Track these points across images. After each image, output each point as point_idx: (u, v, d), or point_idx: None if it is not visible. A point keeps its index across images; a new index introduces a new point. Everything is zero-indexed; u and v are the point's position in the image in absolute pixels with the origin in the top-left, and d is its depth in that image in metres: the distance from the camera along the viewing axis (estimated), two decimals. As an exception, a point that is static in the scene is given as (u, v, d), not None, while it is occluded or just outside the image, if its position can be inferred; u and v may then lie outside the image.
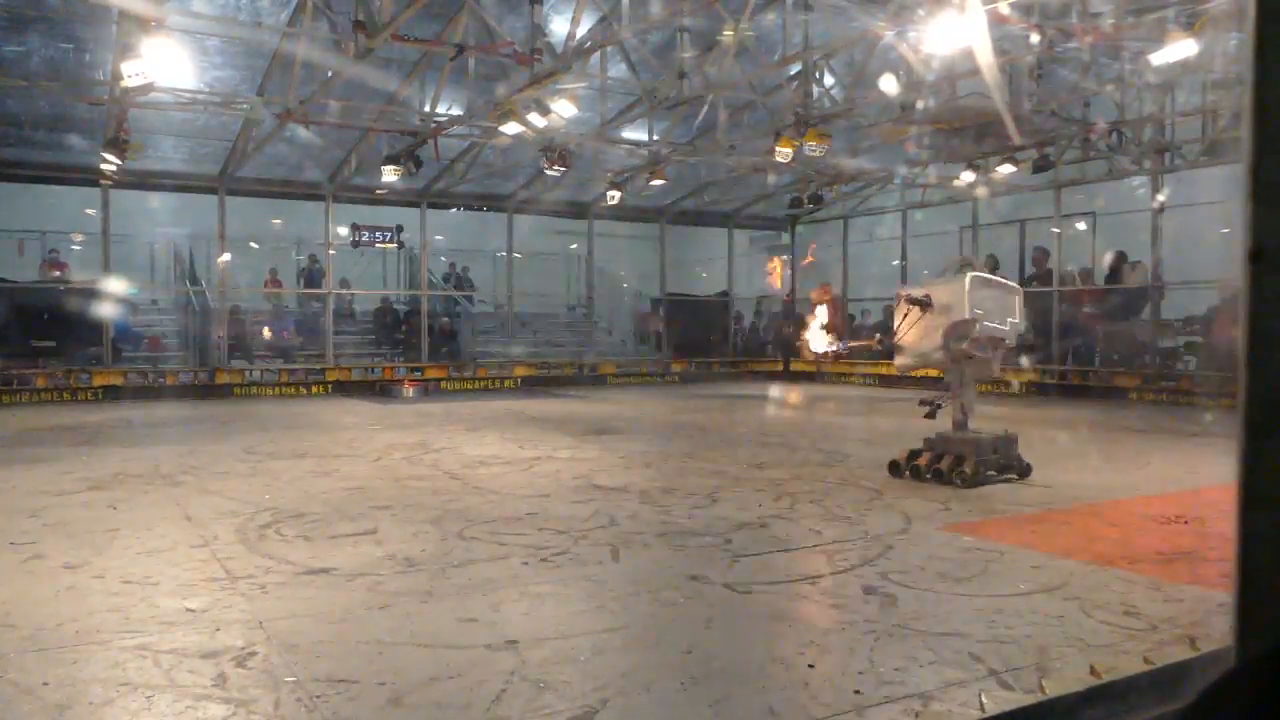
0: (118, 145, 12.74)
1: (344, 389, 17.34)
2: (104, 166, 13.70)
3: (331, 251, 18.00)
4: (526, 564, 4.82)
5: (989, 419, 11.28)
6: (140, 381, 16.27)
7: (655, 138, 15.43)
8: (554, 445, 9.51)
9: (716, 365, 21.37)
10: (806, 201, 19.26)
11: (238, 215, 17.28)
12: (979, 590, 4.36)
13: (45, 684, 3.22)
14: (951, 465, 7.07)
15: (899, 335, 7.20)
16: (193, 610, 4.07)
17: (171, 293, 19.00)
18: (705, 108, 14.58)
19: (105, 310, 16.08)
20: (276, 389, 17.16)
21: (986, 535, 5.54)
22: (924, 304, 7.06)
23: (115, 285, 16.38)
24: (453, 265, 21.00)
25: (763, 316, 23.17)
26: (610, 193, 17.36)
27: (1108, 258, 16.57)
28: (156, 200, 17.79)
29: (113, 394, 15.89)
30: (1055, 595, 4.28)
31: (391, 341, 19.22)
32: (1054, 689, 2.64)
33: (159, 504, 6.48)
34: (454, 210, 19.61)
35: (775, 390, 17.50)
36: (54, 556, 5.00)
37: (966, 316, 6.86)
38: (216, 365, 17.02)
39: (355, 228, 18.08)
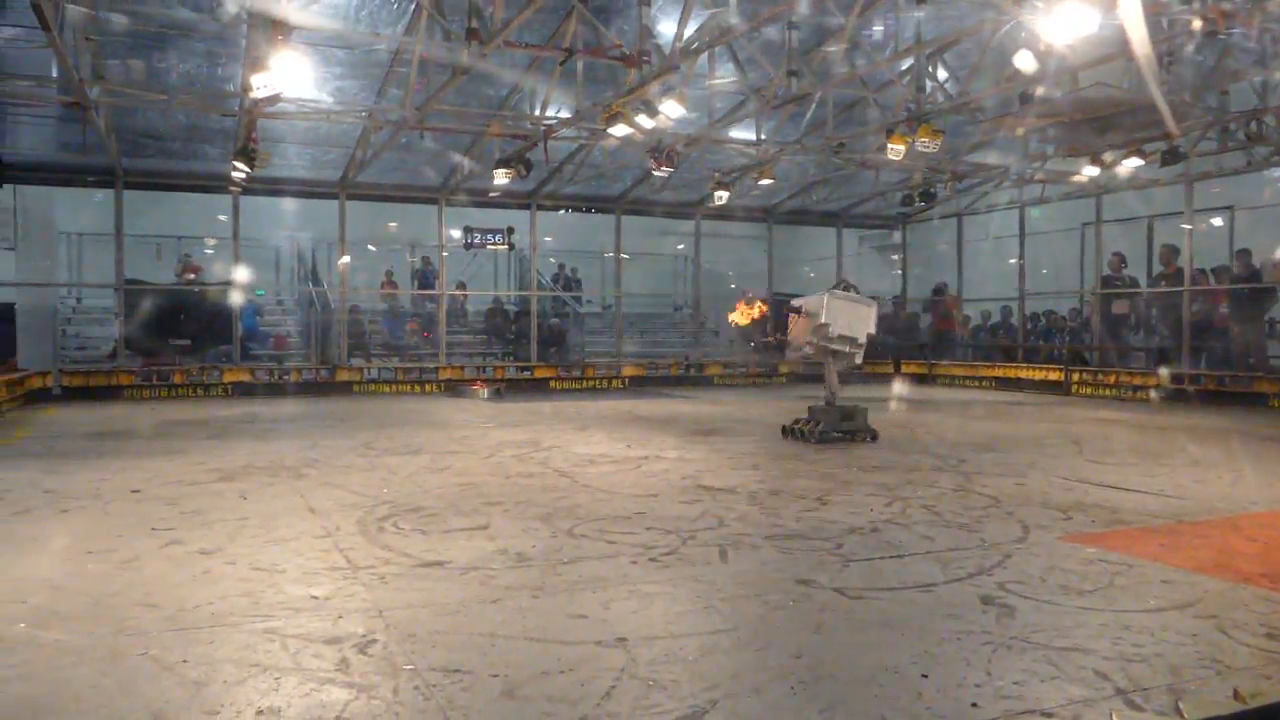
0: (247, 154, 13.26)
1: (456, 388, 17.65)
2: (234, 174, 14.21)
3: (444, 253, 18.33)
4: (635, 563, 4.82)
5: (1126, 425, 11.28)
6: (266, 378, 16.83)
7: (763, 137, 15.18)
8: (661, 445, 9.45)
9: (825, 366, 21.03)
10: (918, 199, 18.73)
11: (356, 219, 17.76)
12: (1104, 604, 4.18)
13: (184, 661, 3.39)
14: (812, 427, 9.46)
15: (790, 334, 9.56)
16: (317, 597, 4.20)
17: (295, 294, 19.79)
18: (814, 105, 14.37)
19: (235, 310, 16.95)
20: (392, 386, 17.54)
21: (1112, 546, 5.30)
22: (798, 312, 9.53)
23: (244, 287, 17.21)
24: (561, 266, 21.13)
25: (873, 317, 22.69)
26: (717, 193, 17.20)
27: (1252, 256, 15.49)
28: (282, 205, 18.44)
29: (241, 390, 16.49)
30: (1188, 613, 4.06)
31: (502, 341, 19.50)
32: (1194, 713, 2.49)
33: (284, 495, 6.62)
34: (562, 212, 19.74)
35: (885, 392, 17.00)
36: (190, 542, 5.19)
37: (823, 322, 9.11)
38: (337, 363, 17.53)
39: (467, 230, 18.41)
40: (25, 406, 14.33)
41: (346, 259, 17.63)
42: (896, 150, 13.03)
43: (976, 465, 8.29)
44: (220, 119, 13.75)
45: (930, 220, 21.33)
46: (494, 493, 6.67)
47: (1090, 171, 15.69)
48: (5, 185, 15.62)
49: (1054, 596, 4.28)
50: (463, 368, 18.31)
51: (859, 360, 9.47)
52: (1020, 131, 13.94)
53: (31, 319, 16.73)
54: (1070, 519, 6.04)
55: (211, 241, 18.63)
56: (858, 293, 9.71)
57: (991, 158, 16.96)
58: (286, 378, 16.91)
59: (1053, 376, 17.62)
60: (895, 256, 22.21)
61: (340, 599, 4.17)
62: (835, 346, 9.30)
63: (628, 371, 19.26)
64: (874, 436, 9.57)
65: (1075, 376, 17.31)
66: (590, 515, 5.89)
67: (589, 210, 19.86)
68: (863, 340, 9.30)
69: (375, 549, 5.03)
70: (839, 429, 9.54)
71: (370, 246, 19.91)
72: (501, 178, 14.69)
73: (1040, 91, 12.12)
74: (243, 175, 14.06)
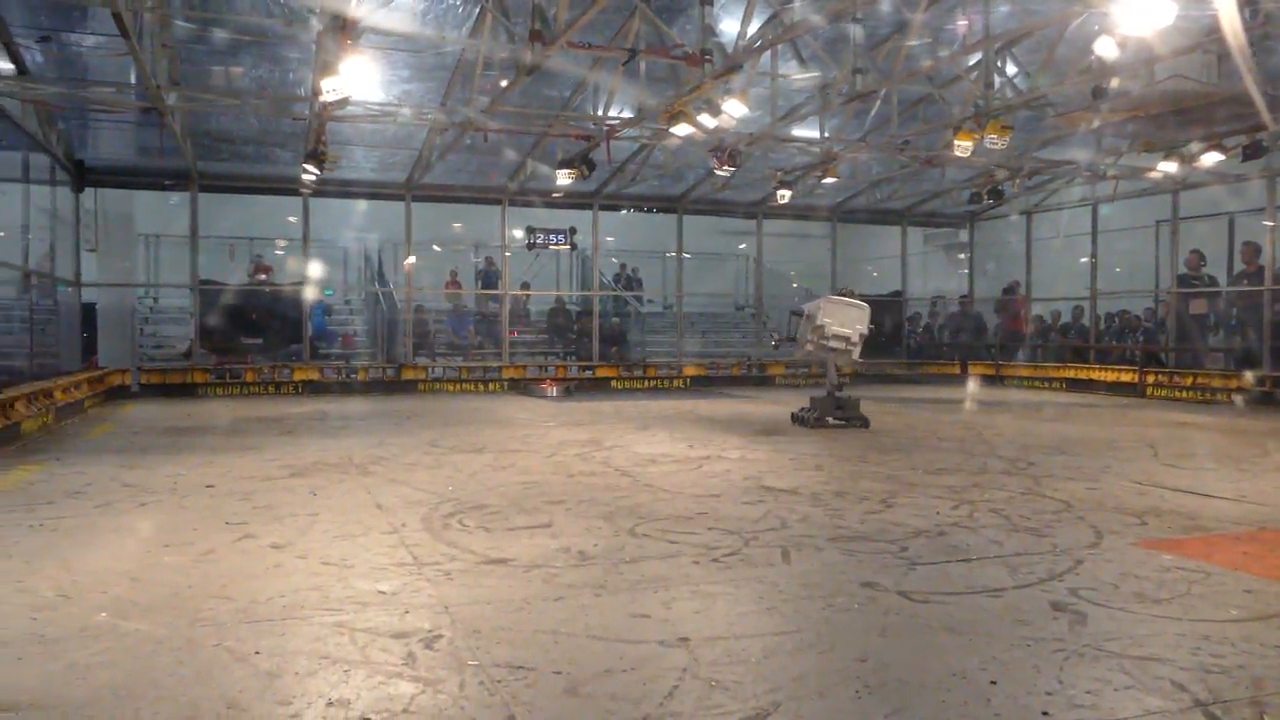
0: (317, 157, 13.46)
1: (524, 386, 17.70)
2: (304, 177, 14.45)
3: (507, 253, 18.51)
4: (697, 563, 4.79)
5: (1205, 429, 11.14)
6: (335, 377, 17.04)
7: (827, 135, 14.97)
8: (723, 445, 9.40)
9: (890, 367, 20.62)
10: (986, 196, 18.33)
11: (422, 220, 17.88)
12: (1181, 613, 4.04)
13: (257, 653, 3.46)
14: (810, 414, 10.86)
15: (794, 335, 11.15)
16: (384, 593, 4.24)
17: (362, 294, 19.98)
18: (879, 101, 14.14)
19: (305, 310, 17.20)
20: (455, 385, 17.67)
21: (1189, 554, 5.12)
22: (800, 314, 11.04)
23: (314, 287, 17.51)
24: (623, 266, 21.08)
25: (939, 317, 22.27)
26: (780, 191, 17.06)
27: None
28: (350, 207, 18.71)
29: (311, 388, 16.74)
30: (1272, 624, 3.91)
31: (564, 340, 19.53)
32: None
33: (353, 492, 6.67)
34: (624, 211, 19.74)
35: (952, 393, 16.88)
36: (263, 536, 5.26)
37: (820, 323, 10.48)
38: (402, 362, 17.69)
39: (530, 230, 18.44)
40: (106, 403, 14.54)
41: (412, 259, 17.79)
42: (964, 147, 12.76)
43: (1047, 468, 8.09)
44: (291, 122, 13.97)
45: (999, 218, 20.90)
46: (556, 491, 6.67)
47: (1167, 167, 15.18)
48: (87, 189, 15.95)
49: (1128, 604, 4.15)
50: (525, 367, 18.38)
51: (855, 356, 10.76)
52: (1095, 126, 13.52)
53: (111, 318, 17.12)
54: (1145, 525, 5.86)
55: (282, 243, 18.96)
56: (855, 298, 11.34)
57: (1063, 154, 16.50)
58: (354, 376, 17.08)
59: (1126, 378, 17.20)
60: (962, 255, 21.85)
61: (407, 594, 4.21)
62: (832, 345, 10.56)
63: (689, 371, 19.13)
64: (865, 423, 10.80)
65: (1150, 378, 16.85)
66: (652, 515, 5.86)
67: (651, 210, 19.78)
68: (856, 339, 10.59)
69: (440, 545, 5.07)
70: (834, 416, 10.88)
71: (435, 247, 20.08)
72: (564, 178, 14.68)
73: (1115, 84, 11.76)
74: (312, 177, 14.27)
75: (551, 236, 18.44)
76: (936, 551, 5.10)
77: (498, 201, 18.37)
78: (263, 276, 18.21)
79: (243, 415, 12.73)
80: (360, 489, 6.79)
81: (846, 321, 10.56)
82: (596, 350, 18.99)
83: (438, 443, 9.51)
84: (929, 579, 4.55)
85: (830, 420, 10.81)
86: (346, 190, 17.57)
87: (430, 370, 17.61)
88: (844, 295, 11.59)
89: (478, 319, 19.16)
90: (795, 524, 5.63)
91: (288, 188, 16.41)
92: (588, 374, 18.41)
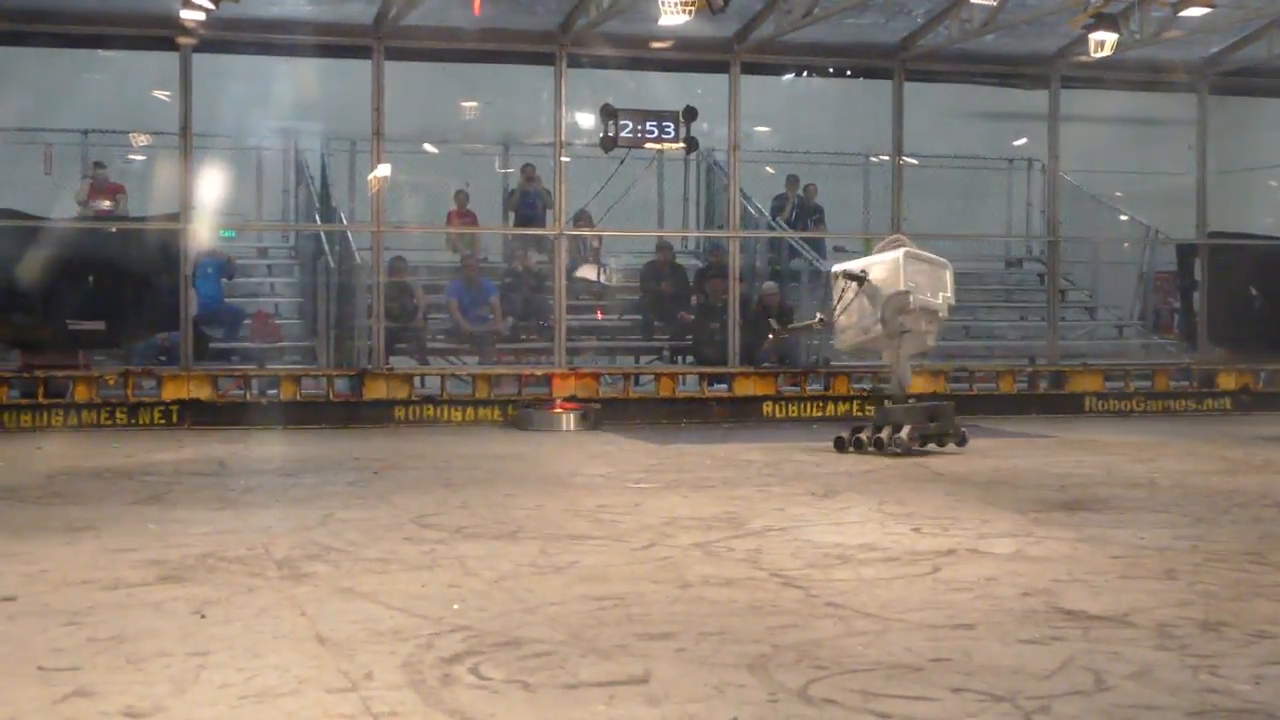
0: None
1: (525, 416, 13.10)
2: (184, 13, 11.10)
3: (565, 159, 12.81)
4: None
5: None
6: (240, 394, 12.37)
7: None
8: (981, 528, 7.29)
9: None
10: None
11: (404, 94, 12.81)
12: None
13: None
14: (877, 435, 9.57)
15: (839, 313, 9.48)
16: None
17: (290, 237, 14.97)
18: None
19: (184, 267, 12.10)
20: (465, 411, 12.44)
21: None
22: (861, 280, 9.24)
23: (201, 224, 12.48)
24: (791, 183, 15.16)
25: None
26: (1095, 35, 12.11)
27: None
28: (270, 73, 13.81)
29: (195, 413, 12.05)
30: None
31: (672, 323, 14.06)
32: None
33: (273, 611, 5.22)
34: (789, 77, 14.64)
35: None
36: (107, 694, 4.08)
37: (901, 289, 9.00)
38: (366, 366, 12.29)
39: (609, 113, 12.61)
40: None
41: (385, 170, 12.46)
42: None
43: None
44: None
45: None
46: (658, 615, 5.15)
47: None
48: None
49: None
50: (597, 374, 12.68)
51: (932, 342, 9.77)
52: None
53: None
54: None
55: (142, 139, 14.28)
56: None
57: None
58: (275, 393, 12.38)
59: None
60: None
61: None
62: (911, 324, 9.29)
63: (916, 386, 12.81)
64: (962, 440, 9.59)
65: None
66: (842, 662, 4.45)
67: (842, 74, 14.44)
68: (944, 312, 9.55)
69: (439, 717, 3.88)
70: (925, 433, 9.52)
71: (429, 147, 15.07)
72: (675, 13, 10.93)
73: None
74: (200, 15, 11.01)
75: (650, 126, 12.83)
76: None
77: (547, 58, 12.90)
78: (106, 204, 13.36)
79: (70, 464, 10.38)
80: (287, 607, 5.28)
81: (931, 286, 9.20)
82: (735, 343, 12.99)
83: (431, 518, 7.54)
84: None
85: (923, 441, 9.58)
86: (265, 39, 12.51)
87: (418, 383, 12.62)
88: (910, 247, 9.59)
89: (509, 283, 13.78)
90: (1123, 684, 4.11)
91: (154, 35, 12.17)
92: (718, 388, 13.07)
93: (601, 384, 12.54)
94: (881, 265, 9.29)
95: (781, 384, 12.97)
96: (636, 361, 13.61)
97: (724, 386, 12.89)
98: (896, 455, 9.16)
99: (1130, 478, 9.53)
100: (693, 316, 13.69)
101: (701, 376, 13.01)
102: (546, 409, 12.20)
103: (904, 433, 9.15)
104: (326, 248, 13.13)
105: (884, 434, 9.29)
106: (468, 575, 5.86)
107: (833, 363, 13.12)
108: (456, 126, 15.64)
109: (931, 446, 9.41)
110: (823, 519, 7.54)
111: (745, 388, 12.74)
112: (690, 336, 13.75)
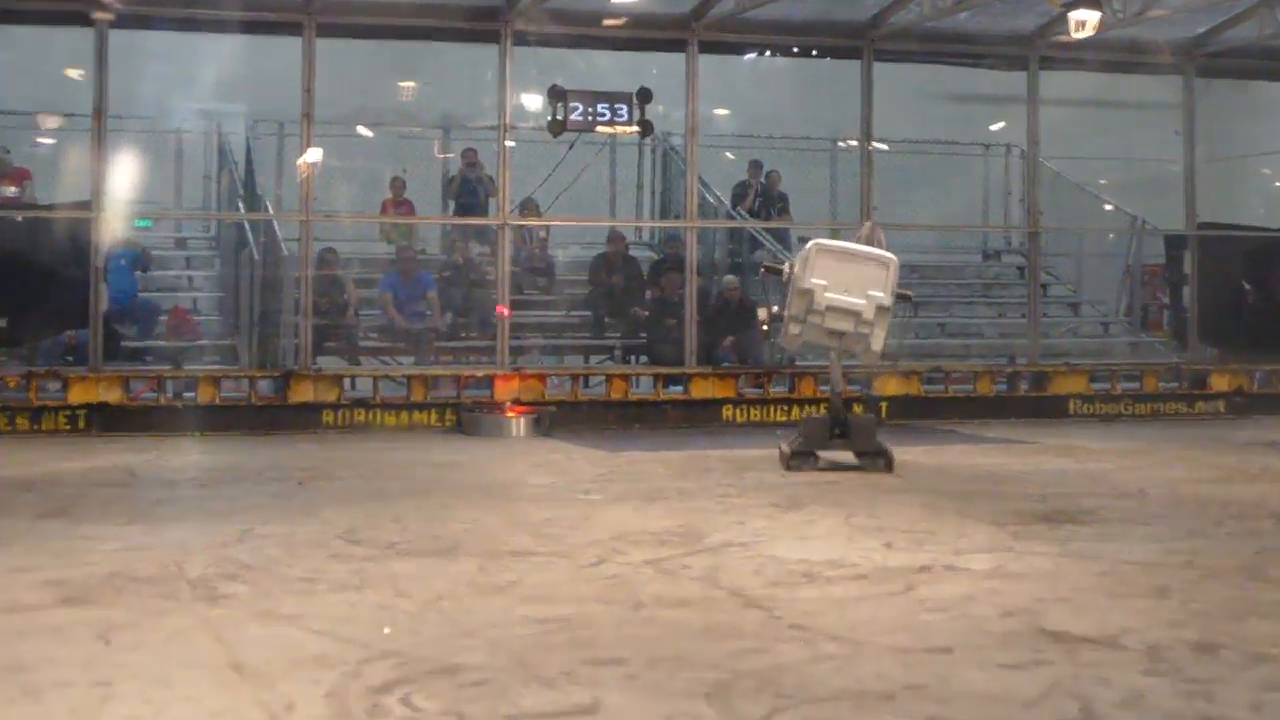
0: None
1: (474, 419, 12.82)
2: None
3: (509, 143, 12.56)
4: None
5: None
6: (154, 398, 12.18)
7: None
8: (956, 543, 7.25)
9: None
10: None
11: (336, 74, 12.51)
12: None
13: None
14: (795, 446, 9.16)
15: (786, 308, 9.13)
16: None
17: (211, 226, 14.69)
18: None
19: (94, 259, 11.83)
20: (400, 415, 12.21)
21: None
22: (779, 272, 9.19)
23: (114, 212, 12.10)
24: (752, 170, 14.89)
25: None
26: (1075, 13, 12.28)
27: None
28: (190, 51, 13.45)
29: (104, 418, 11.91)
30: None
31: (624, 320, 13.79)
32: None
33: (185, 637, 5.18)
34: (751, 56, 14.27)
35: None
36: None
37: (805, 286, 8.46)
38: (292, 367, 12.13)
39: (557, 94, 12.45)
40: None
41: (315, 154, 12.22)
42: None
43: None
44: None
45: None
46: (606, 638, 5.12)
47: None
48: None
49: None
50: (543, 375, 12.36)
51: (877, 346, 8.77)
52: None
53: None
54: None
55: (51, 121, 14.07)
56: (881, 239, 9.47)
57: None
58: (190, 396, 12.31)
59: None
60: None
61: None
62: (830, 324, 8.66)
63: (888, 388, 13.02)
64: (888, 463, 8.82)
65: None
66: (807, 690, 4.36)
67: (807, 53, 14.10)
68: (870, 315, 8.60)
69: None
70: (826, 446, 8.93)
71: (362, 130, 14.75)
72: None
73: None
74: None
75: (601, 109, 12.68)
76: None
77: (491, 36, 12.57)
78: (11, 191, 13.19)
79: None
80: (201, 632, 5.23)
81: (852, 284, 8.55)
82: (692, 343, 12.72)
83: (362, 533, 7.51)
84: None
85: (816, 455, 8.99)
86: (187, 15, 12.19)
87: (348, 385, 12.33)
88: (866, 238, 9.30)
89: (448, 277, 13.51)
90: (1113, 713, 4.09)
91: (67, 10, 12.06)
92: (674, 390, 12.70)
93: (548, 385, 11.98)
94: (799, 259, 8.83)
95: (743, 385, 12.49)
96: (586, 361, 13.16)
97: (680, 388, 12.44)
98: (795, 470, 8.73)
99: (1117, 487, 9.42)
100: (647, 313, 13.25)
101: (656, 377, 12.48)
102: (496, 413, 11.69)
103: (785, 446, 8.72)
104: (250, 238, 12.70)
105: (783, 446, 8.88)
106: (400, 596, 5.80)
107: (798, 362, 12.49)
108: (393, 108, 15.35)
109: (850, 460, 8.64)
110: (787, 533, 7.49)
111: (703, 390, 12.26)
112: (644, 334, 13.33)
